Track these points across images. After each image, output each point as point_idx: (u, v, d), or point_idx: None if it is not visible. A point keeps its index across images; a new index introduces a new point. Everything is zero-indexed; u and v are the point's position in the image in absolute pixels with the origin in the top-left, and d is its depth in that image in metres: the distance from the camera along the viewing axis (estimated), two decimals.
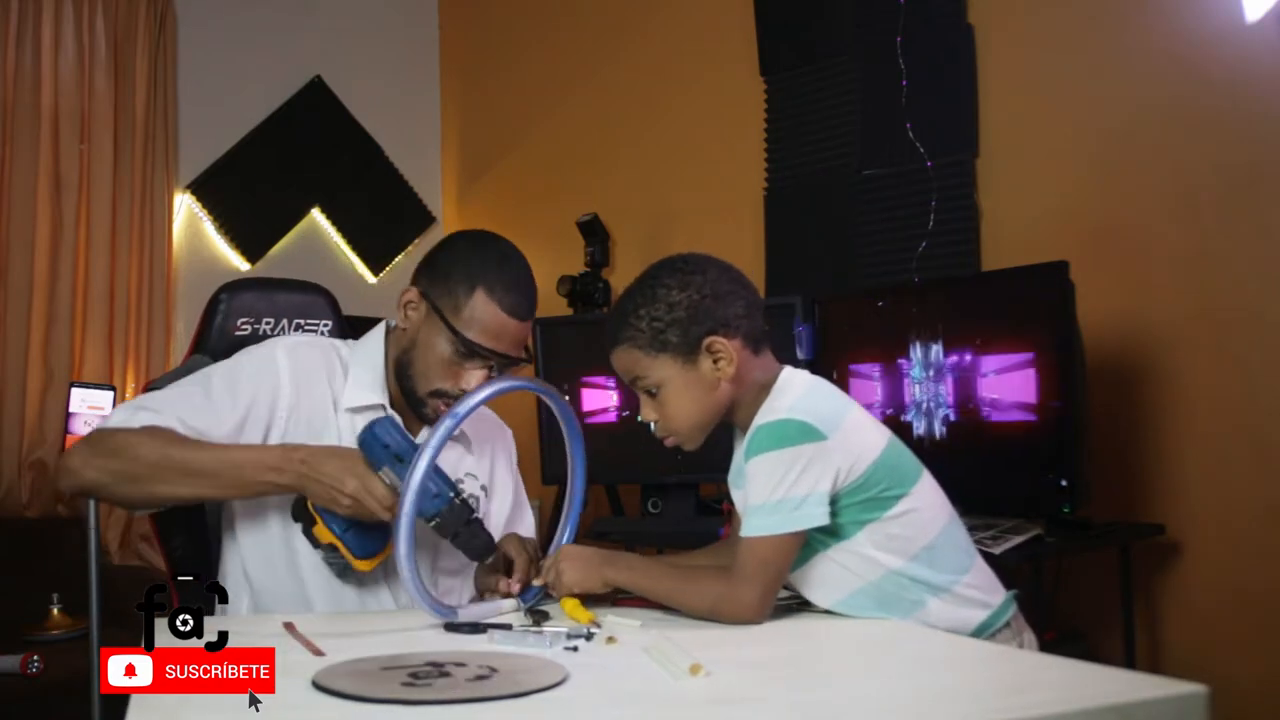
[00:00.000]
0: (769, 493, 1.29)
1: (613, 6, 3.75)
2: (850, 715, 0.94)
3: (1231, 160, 2.23)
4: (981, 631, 1.32)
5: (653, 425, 1.42)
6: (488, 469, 1.68)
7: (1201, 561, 2.26)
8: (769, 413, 1.33)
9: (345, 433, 1.53)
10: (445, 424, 1.28)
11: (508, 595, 1.42)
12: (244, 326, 1.82)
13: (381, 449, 1.35)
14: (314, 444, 1.44)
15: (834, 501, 1.30)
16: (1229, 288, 2.24)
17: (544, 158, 4.02)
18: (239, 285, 1.88)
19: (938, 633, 1.28)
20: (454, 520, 1.36)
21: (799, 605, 1.38)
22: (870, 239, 2.84)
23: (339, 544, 1.41)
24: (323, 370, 1.57)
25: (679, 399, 1.38)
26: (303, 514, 1.43)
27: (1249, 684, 2.10)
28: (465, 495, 1.40)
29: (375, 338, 1.61)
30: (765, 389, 1.38)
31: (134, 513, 1.50)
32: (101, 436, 1.44)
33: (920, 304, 2.37)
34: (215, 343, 1.79)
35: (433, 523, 1.36)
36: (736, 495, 1.45)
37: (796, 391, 1.36)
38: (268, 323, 1.82)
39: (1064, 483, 2.08)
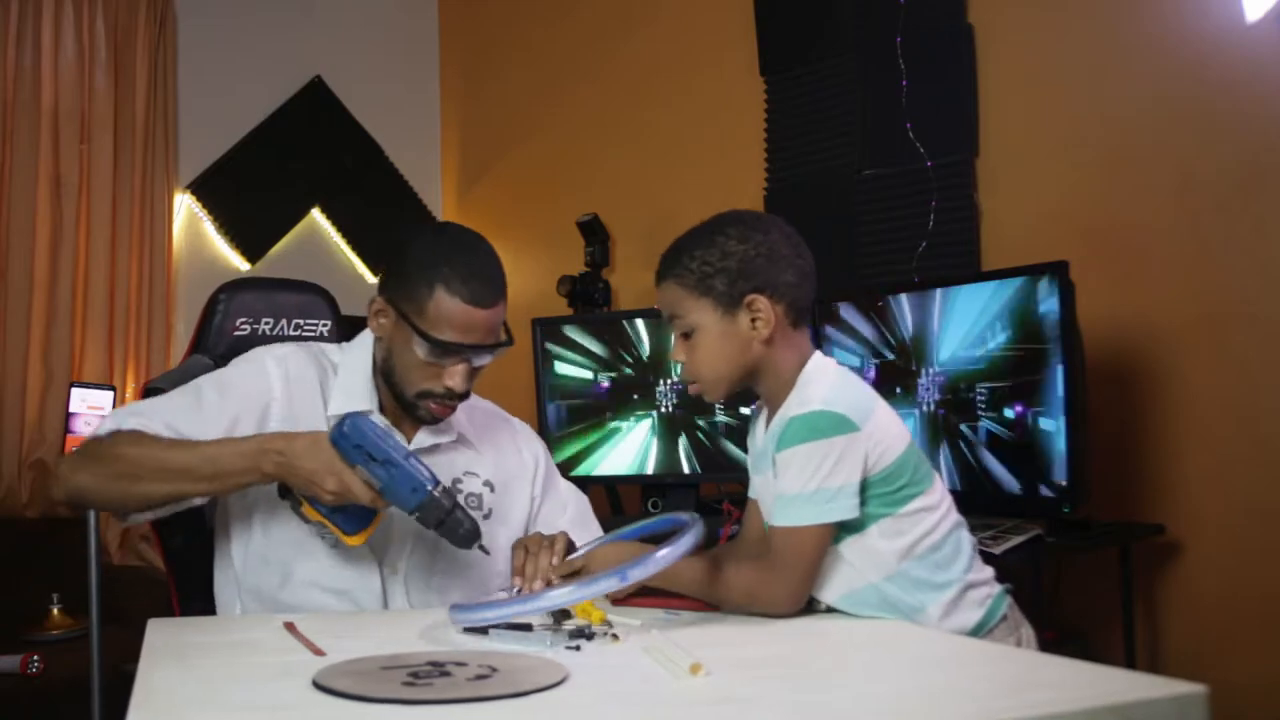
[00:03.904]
0: (803, 483, 1.29)
1: (612, 7, 3.75)
2: (850, 715, 0.93)
3: (1231, 160, 2.23)
4: (978, 630, 1.32)
5: (679, 368, 1.42)
6: (490, 465, 1.67)
7: (1201, 561, 2.27)
8: (802, 404, 1.33)
9: None
10: (611, 580, 1.23)
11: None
12: (243, 326, 1.82)
13: (354, 449, 1.34)
14: (291, 433, 1.43)
15: (860, 492, 1.31)
16: (1229, 288, 2.24)
17: (544, 158, 4.02)
18: (238, 285, 1.88)
19: (938, 633, 1.28)
20: (435, 511, 1.36)
21: None
22: (870, 239, 2.84)
23: (326, 523, 1.42)
24: (314, 378, 1.58)
25: (710, 347, 1.37)
26: (290, 494, 1.43)
27: (1249, 684, 2.10)
28: (445, 487, 1.38)
29: (364, 343, 1.61)
30: (794, 368, 1.37)
31: (126, 520, 1.49)
32: (89, 444, 1.46)
33: (920, 304, 2.37)
34: (214, 343, 1.80)
35: (415, 515, 1.37)
36: (756, 480, 1.45)
37: (828, 381, 1.36)
38: (267, 322, 1.82)
39: (1064, 483, 2.09)
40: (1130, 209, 2.39)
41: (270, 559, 1.54)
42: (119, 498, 1.43)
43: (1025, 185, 2.58)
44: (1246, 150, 2.21)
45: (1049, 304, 2.12)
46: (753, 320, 1.36)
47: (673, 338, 1.43)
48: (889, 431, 1.34)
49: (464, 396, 1.54)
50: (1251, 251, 2.21)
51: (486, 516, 1.62)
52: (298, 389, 1.56)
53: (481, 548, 1.41)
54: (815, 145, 2.99)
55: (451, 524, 1.37)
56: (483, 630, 1.22)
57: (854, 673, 1.14)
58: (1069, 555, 2.31)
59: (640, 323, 2.76)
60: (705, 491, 2.85)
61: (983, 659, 1.17)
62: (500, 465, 1.69)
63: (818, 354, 1.41)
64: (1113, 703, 0.90)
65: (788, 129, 3.07)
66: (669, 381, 2.74)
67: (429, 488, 1.36)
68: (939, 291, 2.34)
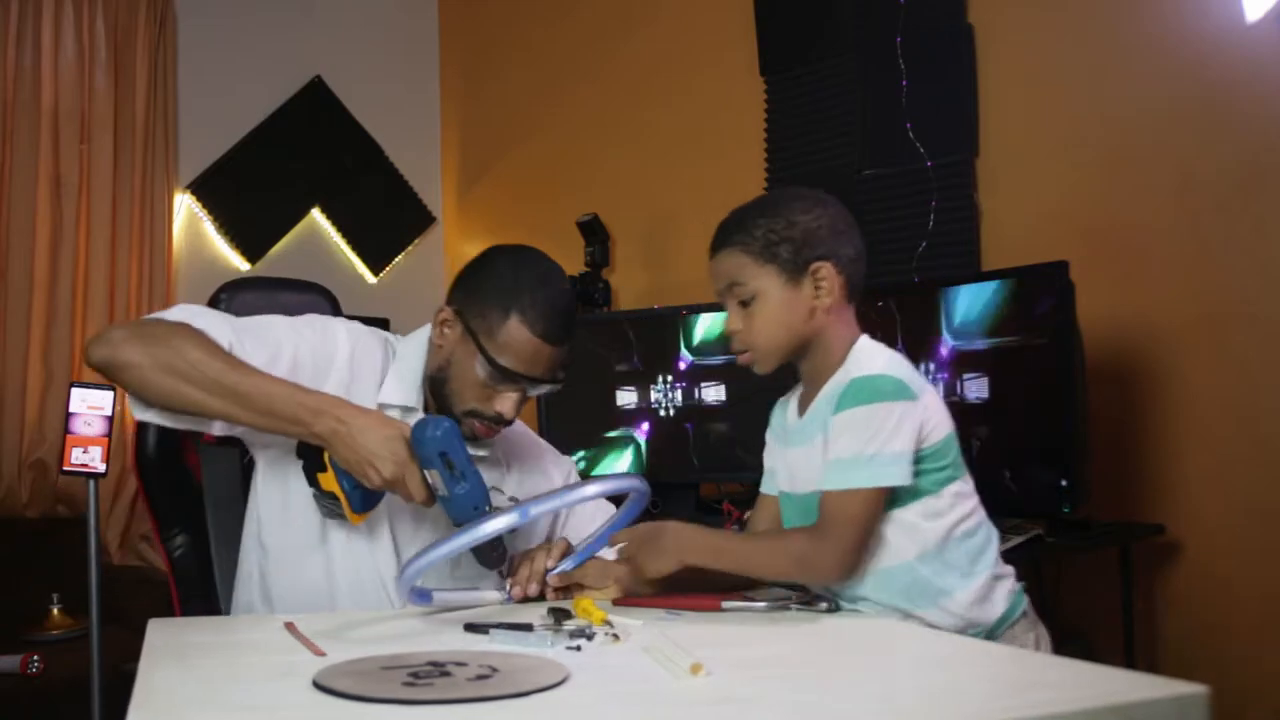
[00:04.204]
0: (861, 446, 1.28)
1: (612, 7, 3.75)
2: (850, 715, 0.93)
3: (1231, 160, 2.23)
4: (1001, 624, 1.33)
5: (733, 338, 1.41)
6: (514, 484, 1.67)
7: (1201, 561, 2.27)
8: (862, 367, 1.34)
9: None
10: (512, 516, 1.31)
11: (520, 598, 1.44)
12: None
13: (438, 455, 1.34)
14: (359, 404, 1.41)
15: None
16: (1229, 288, 2.24)
17: (544, 158, 4.02)
18: (239, 285, 1.88)
19: (938, 632, 1.28)
20: (484, 550, 1.38)
21: (800, 605, 1.38)
22: (870, 239, 2.81)
23: (341, 496, 1.41)
24: (378, 363, 1.57)
25: (770, 315, 1.37)
26: (312, 456, 1.41)
27: (1249, 684, 2.10)
28: (494, 508, 1.40)
29: (419, 341, 1.59)
30: (846, 344, 1.39)
31: (142, 412, 1.43)
32: (151, 324, 1.42)
33: (920, 304, 2.37)
34: None
35: (459, 525, 1.37)
36: (794, 455, 1.42)
37: (884, 354, 1.37)
38: None
39: (1064, 483, 2.08)
40: (1130, 209, 2.39)
41: (301, 529, 1.53)
42: (156, 388, 1.38)
43: (1025, 185, 2.58)
44: (1246, 150, 2.21)
45: (1049, 304, 2.12)
46: (816, 288, 1.36)
47: (729, 308, 1.41)
48: (939, 409, 1.35)
49: (509, 423, 1.54)
50: (1251, 251, 2.21)
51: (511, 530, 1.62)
52: (359, 370, 1.55)
53: (501, 573, 1.43)
54: (815, 145, 2.99)
55: (486, 546, 1.38)
56: (483, 630, 1.23)
57: (854, 673, 1.14)
58: (1069, 555, 2.30)
59: (641, 323, 2.76)
60: (705, 492, 2.85)
61: (983, 659, 1.17)
62: (526, 485, 1.68)
63: (865, 335, 1.41)
64: (1113, 703, 0.90)
65: (788, 129, 3.07)
66: (669, 382, 2.74)
67: (486, 508, 1.37)
68: (939, 291, 2.34)
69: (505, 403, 1.49)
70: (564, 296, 1.52)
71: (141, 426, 1.71)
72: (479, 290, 1.50)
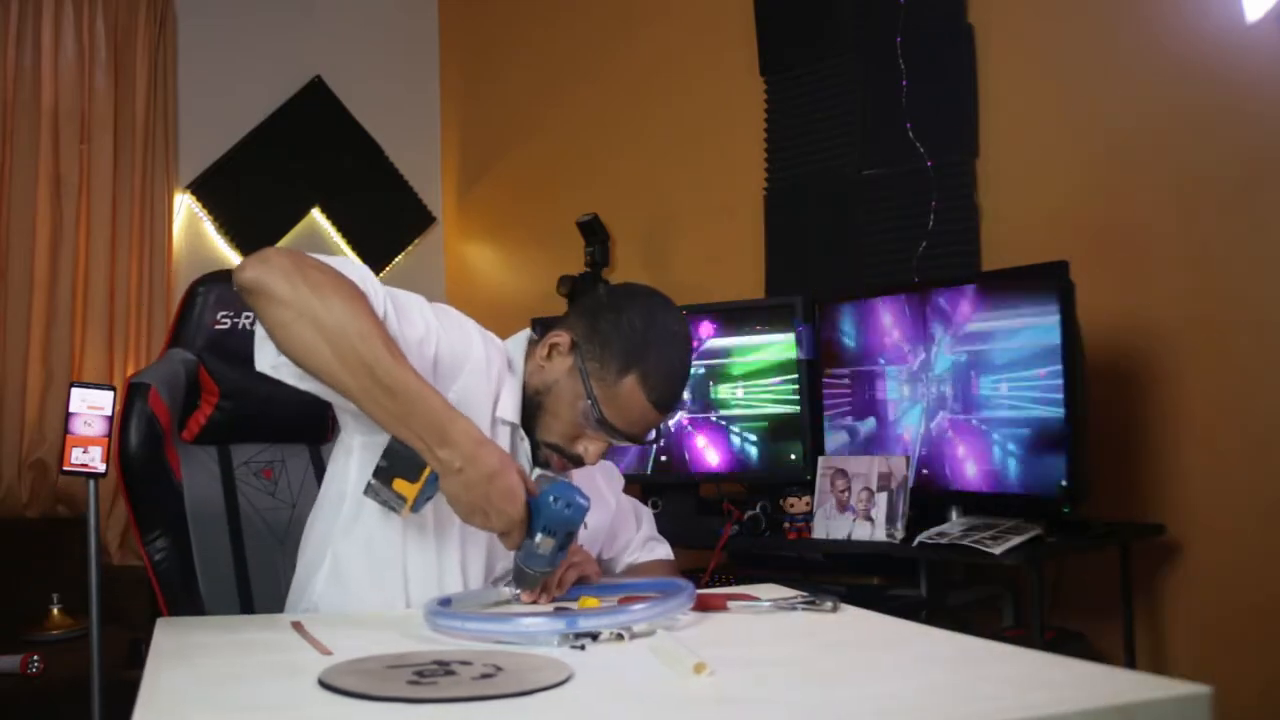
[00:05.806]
0: None
1: (612, 7, 3.75)
2: (852, 714, 0.94)
3: (1231, 160, 2.24)
4: None
5: None
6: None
7: (1201, 561, 2.27)
8: None
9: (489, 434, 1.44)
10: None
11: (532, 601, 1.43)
12: (224, 320, 1.74)
13: (563, 526, 1.32)
14: (485, 444, 1.30)
15: None
16: (1229, 288, 2.25)
17: (544, 157, 4.02)
18: (218, 276, 1.78)
19: (939, 632, 1.28)
20: (532, 580, 1.38)
21: (804, 605, 1.38)
22: (870, 239, 2.85)
23: (414, 494, 1.34)
24: (496, 374, 1.48)
25: None
26: (409, 467, 1.33)
27: (1250, 684, 2.11)
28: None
29: (520, 352, 1.52)
30: None
31: (269, 364, 1.32)
32: (318, 266, 1.29)
33: (920, 304, 2.37)
34: (193, 335, 1.73)
35: (525, 567, 1.36)
36: None
37: None
38: (247, 316, 1.74)
39: (1064, 483, 2.09)
40: (1130, 209, 2.39)
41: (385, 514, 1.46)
42: (293, 335, 1.26)
43: (1025, 185, 2.59)
44: (1246, 150, 2.22)
45: (1049, 304, 2.12)
46: None
47: None
48: None
49: (584, 465, 1.49)
50: (1251, 251, 2.21)
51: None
52: (482, 379, 1.46)
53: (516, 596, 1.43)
54: (815, 145, 3.00)
55: (531, 583, 1.39)
56: None
57: (856, 672, 1.14)
58: (1069, 555, 2.31)
59: None
60: (705, 492, 2.85)
61: (984, 659, 1.17)
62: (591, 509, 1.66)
63: None
64: (1115, 703, 0.90)
65: (788, 129, 3.08)
66: None
67: (557, 565, 1.38)
68: (939, 291, 2.34)
69: (591, 447, 1.45)
70: (686, 361, 1.46)
71: (125, 423, 1.63)
72: (605, 334, 1.43)
